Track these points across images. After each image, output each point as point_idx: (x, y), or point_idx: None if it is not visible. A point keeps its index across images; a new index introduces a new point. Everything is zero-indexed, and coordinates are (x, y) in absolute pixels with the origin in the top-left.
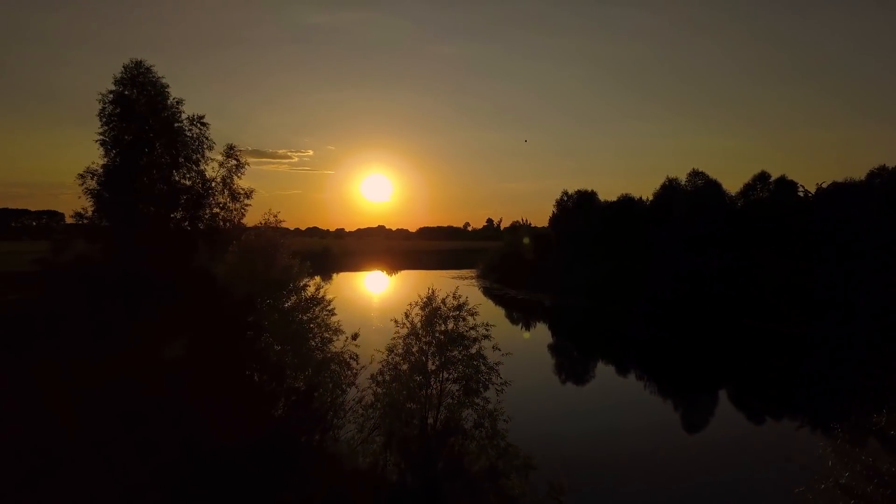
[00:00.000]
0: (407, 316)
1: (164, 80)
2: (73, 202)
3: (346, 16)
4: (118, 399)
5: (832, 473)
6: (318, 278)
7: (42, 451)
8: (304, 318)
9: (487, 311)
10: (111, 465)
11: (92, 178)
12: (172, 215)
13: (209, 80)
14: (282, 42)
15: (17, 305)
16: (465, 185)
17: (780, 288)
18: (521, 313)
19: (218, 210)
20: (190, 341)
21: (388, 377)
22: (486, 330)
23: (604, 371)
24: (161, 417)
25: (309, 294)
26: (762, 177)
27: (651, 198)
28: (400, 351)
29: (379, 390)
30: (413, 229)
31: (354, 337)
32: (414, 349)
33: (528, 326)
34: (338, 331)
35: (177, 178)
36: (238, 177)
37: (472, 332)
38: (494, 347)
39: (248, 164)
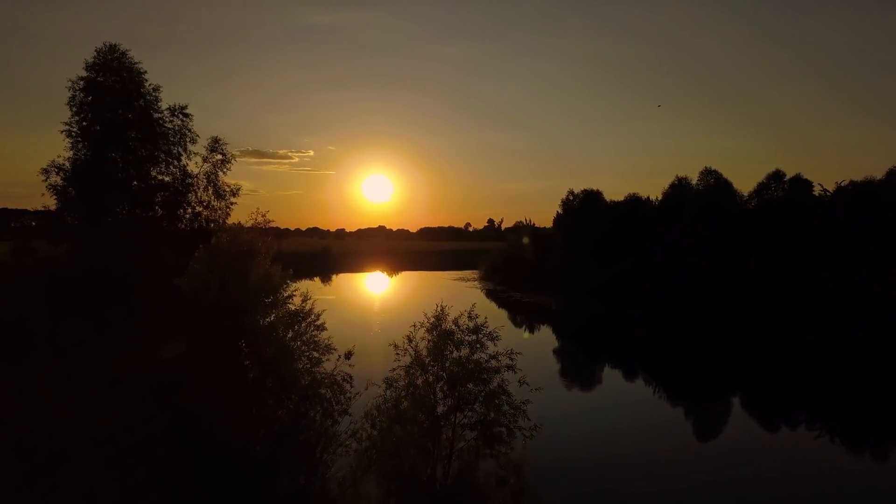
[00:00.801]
0: (410, 340)
1: (140, 66)
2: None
3: (346, 16)
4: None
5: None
6: (305, 288)
7: None
8: (288, 335)
9: (494, 316)
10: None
11: (57, 174)
12: (149, 214)
13: (210, 80)
14: (282, 42)
15: None
16: (465, 186)
17: (797, 291)
18: (529, 318)
19: (201, 209)
20: (146, 365)
21: (385, 419)
22: (511, 359)
23: (618, 380)
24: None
25: (294, 307)
26: (776, 175)
27: (660, 197)
28: (401, 384)
29: (374, 431)
30: (414, 229)
31: (348, 356)
32: (419, 381)
33: (538, 332)
34: (328, 348)
35: (154, 174)
36: (224, 172)
37: (493, 363)
38: (521, 382)
39: (236, 159)
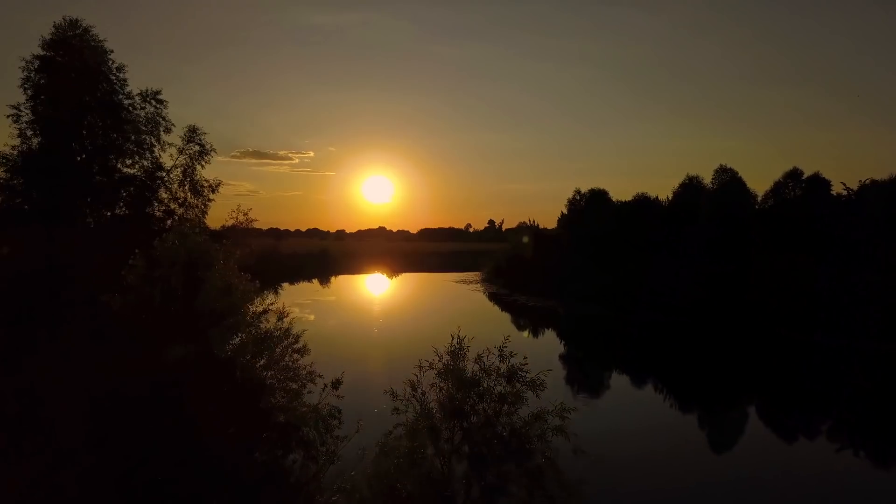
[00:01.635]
0: (414, 388)
1: (106, 44)
2: None
3: (346, 17)
4: None
5: None
6: (282, 303)
7: None
8: (259, 362)
9: (499, 322)
10: None
11: (2, 166)
12: (115, 212)
13: (210, 80)
14: (283, 43)
15: None
16: (466, 186)
17: (818, 295)
18: (536, 323)
19: (175, 206)
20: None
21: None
22: (562, 418)
23: (649, 395)
24: None
25: (266, 328)
26: (794, 174)
27: (670, 196)
28: (403, 452)
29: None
30: (414, 230)
31: (336, 385)
32: (428, 451)
33: (549, 338)
34: (311, 376)
35: (119, 167)
36: (202, 166)
37: (537, 427)
38: (577, 450)
39: (215, 152)
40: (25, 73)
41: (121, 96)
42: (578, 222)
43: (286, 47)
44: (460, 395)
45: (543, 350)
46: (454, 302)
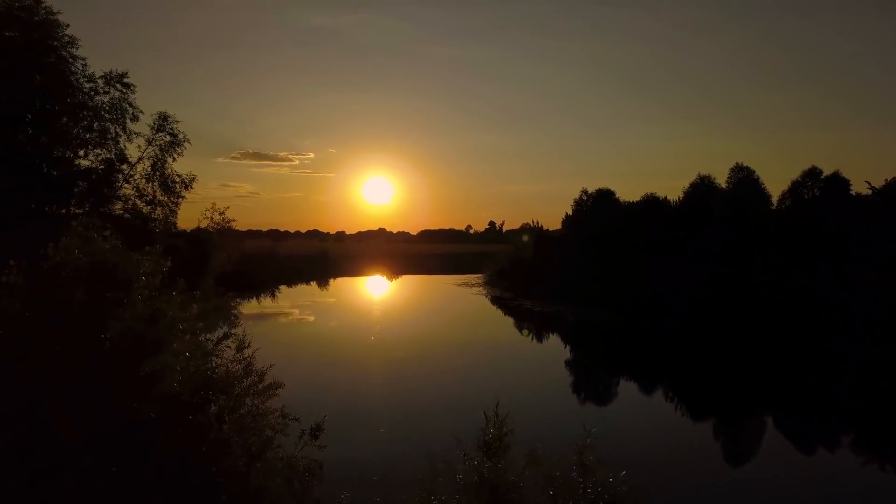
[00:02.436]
0: None
1: (60, 18)
2: None
3: (347, 18)
4: None
5: None
6: (242, 330)
7: None
8: (210, 409)
9: (505, 328)
10: None
11: None
12: (70, 210)
13: (210, 82)
14: (283, 44)
15: None
16: (466, 188)
17: (849, 302)
18: (545, 330)
19: (141, 204)
20: None
21: None
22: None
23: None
24: None
25: (218, 364)
26: (812, 173)
27: (681, 196)
28: None
29: None
30: (414, 232)
31: (315, 434)
32: None
33: (560, 347)
34: (284, 420)
35: (71, 157)
36: (174, 158)
37: None
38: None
39: (189, 143)
40: None
41: (80, 77)
42: (584, 223)
43: (286, 48)
44: None
45: (556, 357)
46: (457, 308)
